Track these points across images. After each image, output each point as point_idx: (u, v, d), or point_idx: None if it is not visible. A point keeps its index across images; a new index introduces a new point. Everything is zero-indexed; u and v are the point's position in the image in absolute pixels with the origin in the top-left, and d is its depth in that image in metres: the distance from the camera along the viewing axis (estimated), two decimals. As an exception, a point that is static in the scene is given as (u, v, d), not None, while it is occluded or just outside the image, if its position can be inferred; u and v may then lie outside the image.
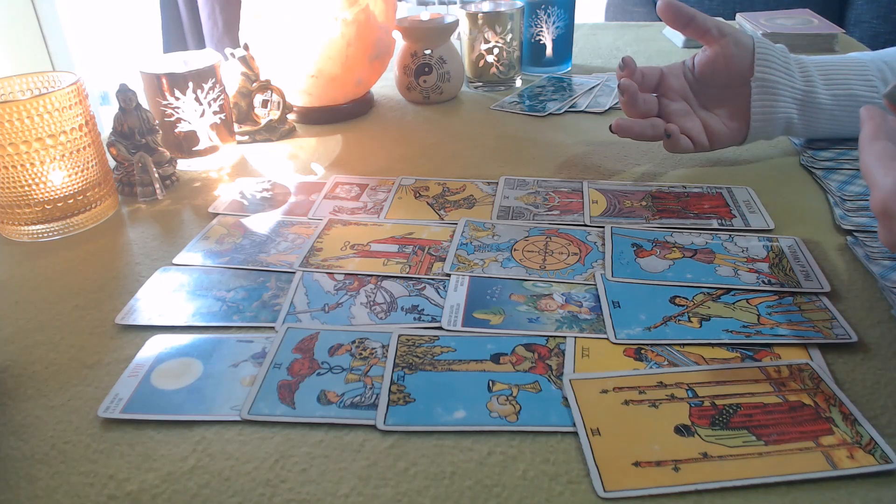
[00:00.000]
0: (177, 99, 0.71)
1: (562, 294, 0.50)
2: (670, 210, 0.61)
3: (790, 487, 0.34)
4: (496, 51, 0.93)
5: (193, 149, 0.74)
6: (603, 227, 0.58)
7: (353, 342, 0.46)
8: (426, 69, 0.90)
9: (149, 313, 0.50)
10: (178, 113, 0.71)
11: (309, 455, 0.38)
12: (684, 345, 0.44)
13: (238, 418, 0.40)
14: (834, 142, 0.70)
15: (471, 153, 0.76)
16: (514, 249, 0.56)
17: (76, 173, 0.61)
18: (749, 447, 0.36)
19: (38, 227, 0.61)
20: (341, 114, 0.88)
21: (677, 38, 1.17)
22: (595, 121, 0.84)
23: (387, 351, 0.45)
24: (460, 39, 0.96)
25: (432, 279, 0.53)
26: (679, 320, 0.47)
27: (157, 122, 0.70)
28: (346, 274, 0.54)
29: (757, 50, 0.63)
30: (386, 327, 0.47)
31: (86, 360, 0.46)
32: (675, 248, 0.55)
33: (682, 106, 0.67)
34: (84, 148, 0.61)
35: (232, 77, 0.82)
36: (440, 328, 0.47)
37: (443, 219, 0.62)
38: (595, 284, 0.51)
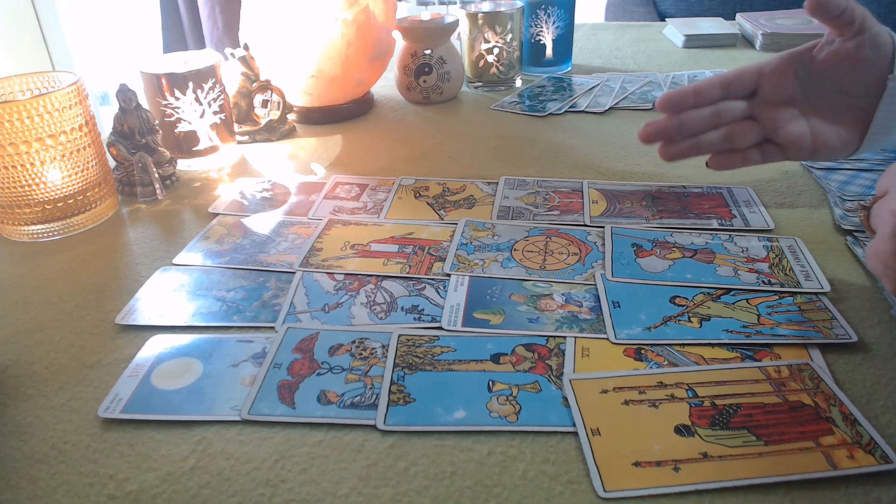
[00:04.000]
0: (177, 99, 0.71)
1: (562, 294, 0.50)
2: (670, 210, 0.61)
3: (790, 487, 0.34)
4: (496, 51, 0.93)
5: (193, 149, 0.74)
6: (603, 227, 0.58)
7: (353, 342, 0.46)
8: (426, 69, 0.90)
9: (149, 313, 0.50)
10: (178, 113, 0.71)
11: (309, 455, 0.38)
12: (684, 345, 0.44)
13: (238, 418, 0.40)
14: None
15: (471, 153, 0.76)
16: (514, 249, 0.56)
17: (76, 173, 0.61)
18: (749, 447, 0.36)
19: (38, 227, 0.61)
20: (341, 114, 0.88)
21: (677, 38, 1.17)
22: (595, 121, 0.84)
23: (387, 351, 0.45)
24: (460, 39, 0.96)
25: (432, 279, 0.53)
26: (679, 320, 0.47)
27: (157, 122, 0.70)
28: (346, 274, 0.54)
29: None
30: (386, 327, 0.47)
31: (86, 360, 0.46)
32: (675, 248, 0.55)
33: (786, 112, 0.56)
34: (84, 148, 0.61)
35: (232, 77, 0.82)
36: (440, 328, 0.47)
37: (443, 219, 0.62)
38: (595, 284, 0.51)
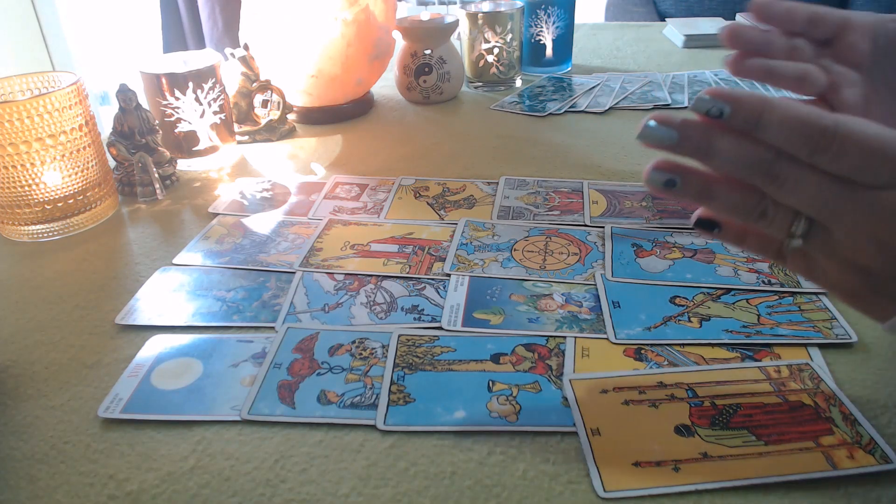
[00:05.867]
0: (177, 99, 0.71)
1: (562, 294, 0.50)
2: (670, 210, 0.61)
3: (790, 487, 0.34)
4: (496, 51, 0.93)
5: (193, 149, 0.74)
6: (603, 227, 0.58)
7: (353, 342, 0.46)
8: (426, 69, 0.90)
9: (149, 313, 0.50)
10: (178, 113, 0.71)
11: (309, 455, 0.38)
12: (684, 345, 0.44)
13: (238, 418, 0.40)
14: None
15: (471, 153, 0.76)
16: (514, 249, 0.56)
17: (76, 173, 0.61)
18: (749, 447, 0.36)
19: (38, 227, 0.61)
20: (341, 114, 0.88)
21: (677, 38, 1.17)
22: (595, 121, 0.84)
23: (387, 351, 0.45)
24: (460, 39, 0.96)
25: (432, 279, 0.53)
26: (679, 320, 0.47)
27: (157, 122, 0.70)
28: (346, 274, 0.54)
29: None
30: (386, 327, 0.47)
31: (86, 360, 0.46)
32: (675, 248, 0.55)
33: (850, 74, 0.51)
34: (84, 148, 0.61)
35: (232, 77, 0.82)
36: (440, 328, 0.47)
37: (443, 219, 0.62)
38: (595, 284, 0.51)
